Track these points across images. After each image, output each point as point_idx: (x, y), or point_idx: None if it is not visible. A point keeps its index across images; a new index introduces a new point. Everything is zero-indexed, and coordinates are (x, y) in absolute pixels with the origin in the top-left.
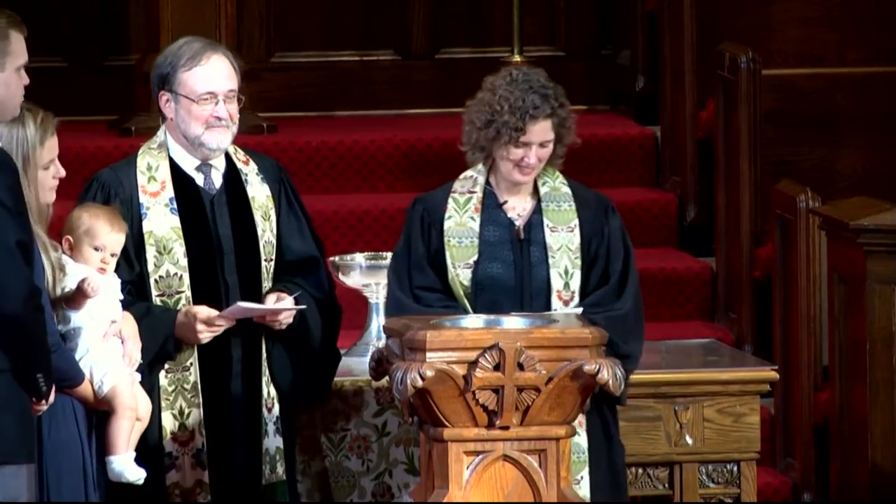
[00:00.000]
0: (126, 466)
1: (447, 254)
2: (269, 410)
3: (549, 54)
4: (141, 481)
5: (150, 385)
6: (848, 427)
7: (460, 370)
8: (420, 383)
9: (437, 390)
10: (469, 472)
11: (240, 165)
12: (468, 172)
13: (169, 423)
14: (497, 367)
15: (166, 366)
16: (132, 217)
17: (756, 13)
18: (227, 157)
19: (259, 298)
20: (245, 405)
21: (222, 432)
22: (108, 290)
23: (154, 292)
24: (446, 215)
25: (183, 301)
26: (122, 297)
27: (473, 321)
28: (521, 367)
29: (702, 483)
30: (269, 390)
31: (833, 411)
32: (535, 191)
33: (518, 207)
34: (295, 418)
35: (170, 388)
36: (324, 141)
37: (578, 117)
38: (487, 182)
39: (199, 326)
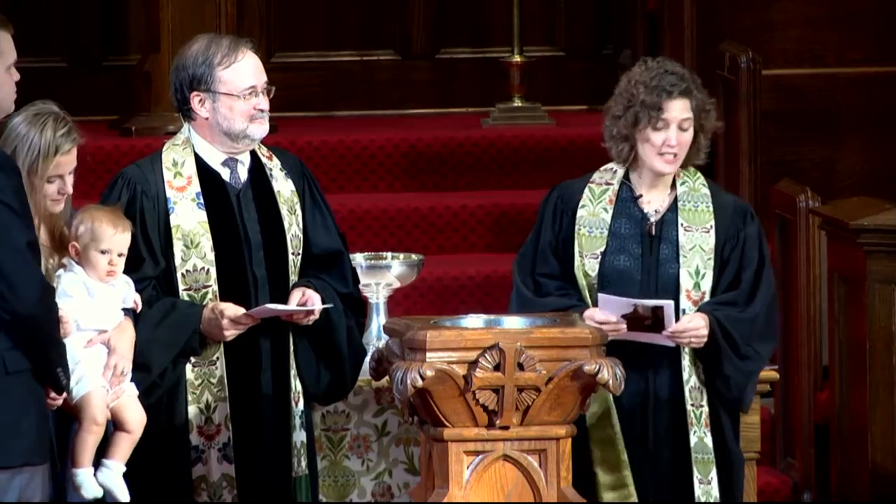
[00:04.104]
0: (84, 480)
1: (576, 242)
2: (297, 404)
3: (549, 54)
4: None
5: (175, 379)
6: (848, 427)
7: (460, 370)
8: (420, 383)
9: (437, 390)
10: (469, 472)
11: (264, 160)
12: (609, 164)
13: (195, 416)
14: (497, 367)
15: (192, 360)
16: (159, 212)
17: (756, 13)
18: (252, 152)
19: (287, 292)
20: (274, 399)
21: (251, 426)
22: (105, 298)
23: (181, 286)
24: (580, 204)
25: (210, 295)
26: (129, 305)
27: (473, 321)
28: (521, 367)
29: None
30: (295, 384)
31: (833, 411)
32: (673, 189)
33: (654, 203)
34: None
35: (196, 382)
36: (324, 141)
37: (578, 117)
38: (626, 176)
39: (225, 323)
